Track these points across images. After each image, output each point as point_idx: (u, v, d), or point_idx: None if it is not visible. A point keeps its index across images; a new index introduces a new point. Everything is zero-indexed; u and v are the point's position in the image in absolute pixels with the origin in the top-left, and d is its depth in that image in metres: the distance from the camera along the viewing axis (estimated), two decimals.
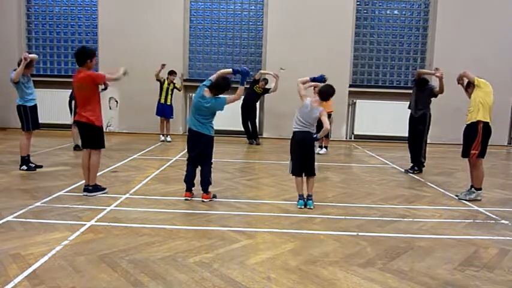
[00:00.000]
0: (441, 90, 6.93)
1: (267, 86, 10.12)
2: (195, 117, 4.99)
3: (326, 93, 4.95)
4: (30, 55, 6.41)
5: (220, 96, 5.01)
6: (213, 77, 5.03)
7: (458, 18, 11.22)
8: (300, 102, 5.03)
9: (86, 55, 5.04)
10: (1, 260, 3.24)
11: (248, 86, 9.40)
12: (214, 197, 5.18)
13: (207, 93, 4.93)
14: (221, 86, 4.95)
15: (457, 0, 11.30)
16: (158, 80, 10.05)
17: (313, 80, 5.22)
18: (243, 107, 10.07)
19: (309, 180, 5.01)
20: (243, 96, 7.79)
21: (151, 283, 2.95)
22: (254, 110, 10.35)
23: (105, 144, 5.32)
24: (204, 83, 5.01)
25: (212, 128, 5.07)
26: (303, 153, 4.97)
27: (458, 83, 5.91)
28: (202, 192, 5.10)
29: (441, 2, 11.28)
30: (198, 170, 5.19)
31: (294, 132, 5.03)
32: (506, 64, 11.14)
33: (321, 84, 5.21)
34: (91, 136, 5.17)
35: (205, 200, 5.05)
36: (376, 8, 11.74)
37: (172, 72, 10.23)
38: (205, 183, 5.09)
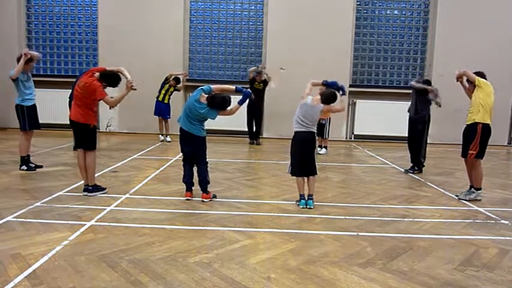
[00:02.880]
0: (439, 106, 7.08)
1: (263, 78, 10.17)
2: (187, 117, 4.98)
3: (327, 96, 4.90)
4: (31, 52, 6.39)
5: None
6: (214, 87, 5.01)
7: (458, 18, 11.22)
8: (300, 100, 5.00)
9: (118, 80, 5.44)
10: (1, 260, 3.24)
11: (249, 87, 9.40)
12: (214, 196, 5.18)
13: (203, 99, 4.91)
14: (215, 104, 4.90)
15: (457, 0, 11.31)
16: (167, 77, 10.16)
17: (326, 83, 5.13)
18: (249, 106, 10.06)
19: (310, 180, 4.99)
20: None
21: (151, 283, 2.95)
22: (259, 107, 10.37)
23: (96, 146, 5.30)
24: (204, 87, 4.97)
25: (203, 129, 5.07)
26: (303, 154, 4.95)
27: (457, 81, 5.90)
28: (201, 192, 5.11)
29: (441, 2, 11.27)
30: (196, 169, 5.19)
31: (296, 132, 4.99)
32: (506, 64, 11.13)
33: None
34: (84, 136, 5.17)
35: (205, 200, 5.05)
36: (376, 8, 11.73)
37: (177, 80, 10.36)
38: (203, 182, 5.09)
